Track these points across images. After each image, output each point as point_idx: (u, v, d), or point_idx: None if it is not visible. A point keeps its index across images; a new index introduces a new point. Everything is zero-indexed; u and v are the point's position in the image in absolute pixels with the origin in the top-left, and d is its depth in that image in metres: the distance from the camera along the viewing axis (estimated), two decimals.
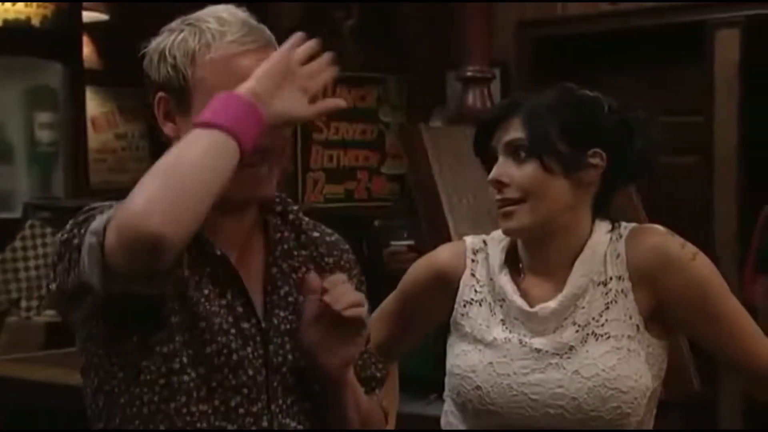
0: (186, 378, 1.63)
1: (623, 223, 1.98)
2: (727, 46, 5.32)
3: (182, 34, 1.67)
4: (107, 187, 5.99)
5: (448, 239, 3.00)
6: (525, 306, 1.95)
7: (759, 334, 1.96)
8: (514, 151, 1.93)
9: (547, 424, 1.92)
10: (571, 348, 1.92)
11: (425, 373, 2.80)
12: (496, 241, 2.03)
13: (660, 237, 1.95)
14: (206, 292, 1.65)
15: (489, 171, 1.98)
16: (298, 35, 1.63)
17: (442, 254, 2.08)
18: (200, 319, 1.64)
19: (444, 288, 2.03)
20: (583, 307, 1.93)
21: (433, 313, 2.07)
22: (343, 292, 1.67)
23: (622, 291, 1.93)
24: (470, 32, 3.57)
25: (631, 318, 1.93)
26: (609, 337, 1.91)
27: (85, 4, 6.04)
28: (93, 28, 6.17)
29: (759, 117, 5.15)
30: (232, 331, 1.66)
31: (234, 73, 1.62)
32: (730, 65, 5.30)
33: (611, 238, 1.96)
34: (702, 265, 1.94)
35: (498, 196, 1.94)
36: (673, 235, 1.96)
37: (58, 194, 6.07)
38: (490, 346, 1.96)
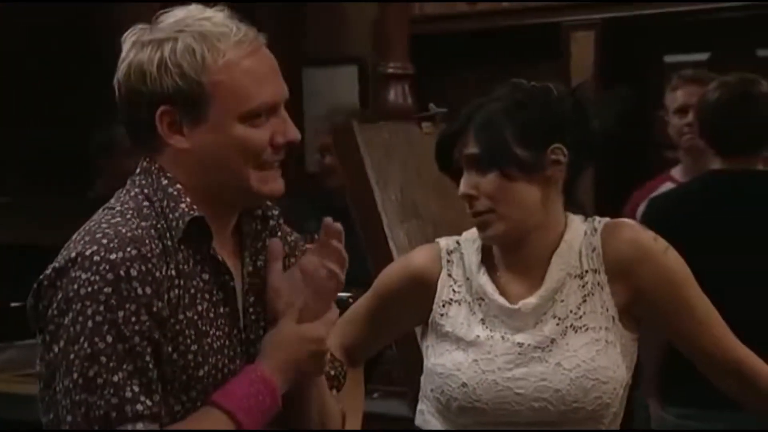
0: (174, 404, 1.61)
1: (596, 217, 2.03)
2: (582, 47, 5.51)
3: (182, 42, 1.61)
4: None
5: (382, 234, 3.06)
6: (507, 304, 1.98)
7: (727, 328, 2.04)
8: (474, 162, 1.96)
9: (530, 418, 1.94)
10: (553, 341, 1.95)
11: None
12: (470, 241, 2.06)
13: (634, 231, 2.01)
14: (200, 308, 1.62)
15: (454, 181, 2.02)
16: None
17: (417, 257, 2.09)
18: (193, 342, 1.61)
19: (421, 291, 2.04)
20: (562, 300, 1.97)
21: (408, 317, 2.09)
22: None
23: (598, 284, 1.98)
24: (389, 29, 3.57)
25: (607, 310, 1.98)
26: (587, 329, 1.96)
27: None
28: None
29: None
30: (225, 348, 1.65)
31: (248, 74, 1.62)
32: (585, 66, 5.48)
33: (585, 232, 2.00)
34: (674, 258, 2.01)
35: (469, 210, 1.98)
36: (645, 230, 2.02)
37: None
38: (473, 344, 1.98)
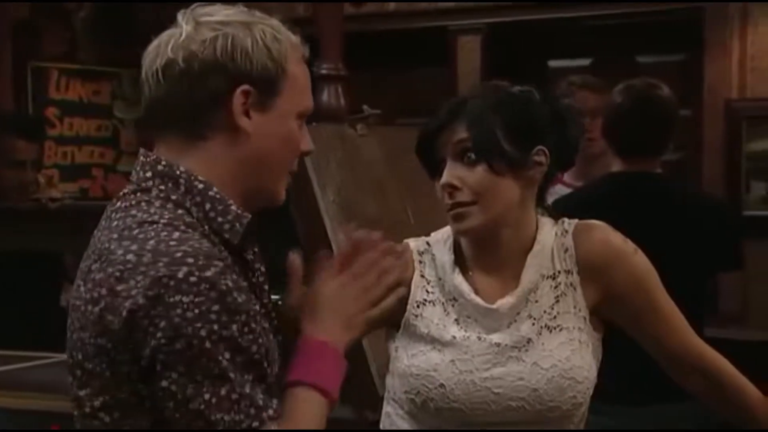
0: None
1: (565, 219, 2.04)
2: (468, 52, 5.59)
3: (269, 27, 1.62)
4: None
5: (324, 236, 3.02)
6: (484, 303, 1.98)
7: (690, 329, 2.08)
8: (461, 153, 1.96)
9: (506, 417, 1.95)
10: (529, 341, 1.96)
11: None
12: (441, 242, 2.06)
13: (606, 233, 2.03)
14: (256, 308, 1.61)
15: (431, 174, 2.01)
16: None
17: None
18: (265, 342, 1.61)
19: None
20: (536, 301, 1.98)
21: (379, 320, 2.00)
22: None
23: (571, 284, 1.99)
24: (324, 31, 3.56)
25: (579, 311, 1.99)
26: (561, 329, 1.97)
27: None
28: None
29: None
30: (271, 342, 1.64)
31: (306, 75, 1.67)
32: (472, 71, 5.56)
33: (556, 233, 2.02)
34: (642, 259, 2.03)
35: (449, 200, 1.96)
36: (615, 231, 2.04)
37: None
38: (449, 344, 1.97)
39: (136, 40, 6.35)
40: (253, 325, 1.54)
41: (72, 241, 4.24)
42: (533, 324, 1.96)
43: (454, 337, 1.96)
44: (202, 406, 1.50)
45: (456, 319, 1.98)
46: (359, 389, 2.61)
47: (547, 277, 1.99)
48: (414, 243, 2.08)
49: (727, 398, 2.08)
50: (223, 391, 1.50)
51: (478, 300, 1.98)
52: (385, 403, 2.09)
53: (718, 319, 3.60)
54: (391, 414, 2.06)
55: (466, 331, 1.97)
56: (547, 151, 1.97)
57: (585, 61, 5.63)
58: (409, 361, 1.98)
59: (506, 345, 1.95)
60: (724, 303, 3.58)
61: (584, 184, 3.80)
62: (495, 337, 1.96)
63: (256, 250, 1.71)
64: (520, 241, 2.00)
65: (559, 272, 1.99)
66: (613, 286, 1.99)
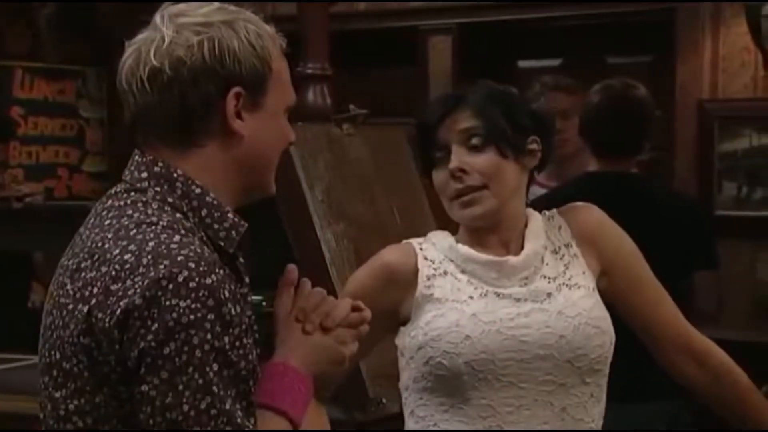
0: None
1: (546, 212, 2.09)
2: (440, 52, 5.56)
3: (252, 24, 1.59)
4: None
5: (313, 236, 3.01)
6: (495, 257, 2.00)
7: (679, 311, 2.11)
8: (467, 139, 1.98)
9: (537, 369, 1.94)
10: (549, 294, 1.99)
11: None
12: (438, 234, 2.08)
13: (590, 206, 2.12)
14: (249, 314, 1.58)
15: (426, 168, 2.04)
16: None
17: (388, 254, 2.07)
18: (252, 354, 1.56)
19: (398, 284, 2.02)
20: (547, 264, 2.02)
21: (384, 320, 2.00)
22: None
23: (574, 255, 2.04)
24: (309, 30, 3.54)
25: (587, 276, 2.04)
26: (579, 287, 2.01)
27: None
28: None
29: None
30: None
31: (287, 70, 1.65)
32: (443, 71, 5.54)
33: (544, 219, 2.07)
34: (627, 235, 2.11)
35: (459, 185, 1.99)
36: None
37: None
38: (467, 303, 1.97)
39: (99, 37, 6.38)
40: (245, 340, 1.50)
41: (41, 241, 4.19)
42: (549, 282, 2.00)
43: (472, 297, 1.98)
44: (180, 417, 1.45)
45: (469, 281, 1.99)
46: (349, 390, 2.58)
47: (551, 251, 2.03)
48: (412, 239, 2.08)
49: (718, 383, 2.08)
50: (203, 405, 1.45)
51: (488, 256, 2.00)
52: (404, 407, 2.06)
53: (693, 318, 3.59)
54: (410, 404, 2.03)
55: (482, 289, 1.98)
56: (539, 140, 2.02)
57: (555, 62, 5.65)
58: (431, 324, 1.97)
59: (526, 299, 1.97)
60: (700, 302, 3.57)
61: (562, 184, 3.79)
62: (513, 292, 1.98)
63: (242, 259, 1.67)
64: (516, 231, 2.03)
65: (560, 247, 2.04)
66: (607, 253, 2.06)
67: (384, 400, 3.02)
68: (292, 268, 1.71)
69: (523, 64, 5.72)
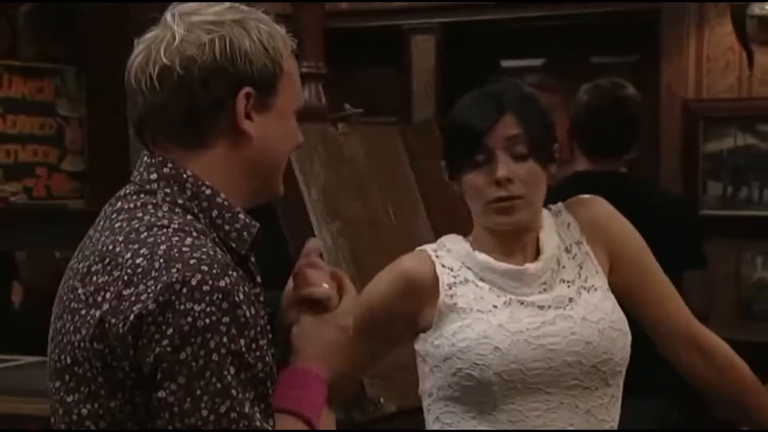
0: None
1: (550, 206, 2.09)
2: (423, 51, 5.55)
3: (264, 24, 1.58)
4: None
5: (311, 234, 3.00)
6: (514, 266, 1.99)
7: (685, 305, 2.12)
8: (512, 146, 1.97)
9: (565, 375, 1.94)
10: (571, 299, 1.99)
11: None
12: (451, 240, 2.07)
13: (593, 198, 2.11)
14: (263, 315, 1.55)
15: (456, 170, 1.99)
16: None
17: (406, 262, 2.05)
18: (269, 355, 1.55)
19: (417, 292, 2.00)
20: (564, 267, 2.02)
21: (405, 327, 2.02)
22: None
23: (585, 253, 2.04)
24: (305, 28, 3.52)
25: (600, 275, 2.04)
26: (596, 289, 2.02)
27: None
28: None
29: None
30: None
31: (297, 71, 1.64)
32: (426, 70, 5.52)
33: (552, 215, 2.07)
34: (635, 230, 2.10)
35: (502, 193, 1.95)
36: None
37: None
38: (492, 312, 1.97)
39: (78, 35, 6.33)
40: (261, 342, 1.48)
41: (23, 241, 4.14)
42: (569, 287, 1.99)
43: (495, 306, 1.97)
44: (199, 422, 1.43)
45: (491, 289, 1.98)
46: None
47: (564, 250, 2.02)
48: (426, 246, 2.07)
49: (723, 378, 2.09)
50: (222, 408, 1.44)
51: (508, 265, 1.99)
52: (426, 413, 2.04)
53: None
54: (433, 410, 2.02)
55: (505, 297, 1.97)
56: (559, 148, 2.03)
57: (538, 62, 5.64)
58: (455, 338, 1.96)
59: (549, 306, 1.97)
60: (689, 302, 3.56)
61: (552, 184, 3.77)
62: (536, 299, 1.97)
63: (253, 259, 1.64)
64: (536, 232, 2.03)
65: (571, 245, 2.04)
66: (614, 245, 2.06)
67: (381, 400, 3.01)
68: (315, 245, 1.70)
69: (506, 63, 5.71)
